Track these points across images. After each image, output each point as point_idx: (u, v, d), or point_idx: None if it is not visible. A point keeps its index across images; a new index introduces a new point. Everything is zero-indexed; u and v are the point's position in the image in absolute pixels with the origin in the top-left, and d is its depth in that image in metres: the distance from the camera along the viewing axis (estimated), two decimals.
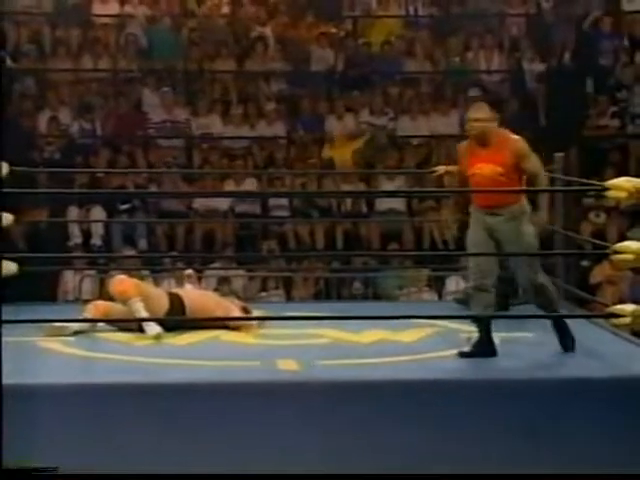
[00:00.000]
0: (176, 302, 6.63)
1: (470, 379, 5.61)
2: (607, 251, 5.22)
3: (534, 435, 5.24)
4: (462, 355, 5.88)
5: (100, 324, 6.60)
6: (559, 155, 7.92)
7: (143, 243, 10.44)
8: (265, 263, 10.48)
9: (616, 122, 11.58)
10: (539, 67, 11.86)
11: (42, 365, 5.73)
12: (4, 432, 4.52)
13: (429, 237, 10.59)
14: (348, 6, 12.57)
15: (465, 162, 6.01)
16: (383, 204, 10.78)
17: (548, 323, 6.15)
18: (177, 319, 6.56)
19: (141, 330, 6.42)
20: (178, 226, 10.45)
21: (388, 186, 10.67)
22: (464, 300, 6.78)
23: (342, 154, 11.08)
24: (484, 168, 5.87)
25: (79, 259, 10.13)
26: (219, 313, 6.66)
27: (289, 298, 9.88)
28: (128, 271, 8.50)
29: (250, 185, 10.72)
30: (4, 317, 4.79)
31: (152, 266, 9.78)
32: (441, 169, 6.66)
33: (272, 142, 11.32)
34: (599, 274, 9.97)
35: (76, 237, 10.39)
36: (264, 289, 10.03)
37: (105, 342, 6.34)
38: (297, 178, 10.87)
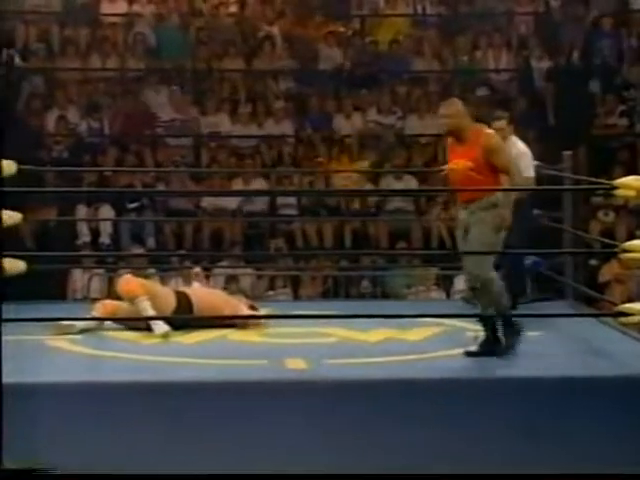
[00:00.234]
0: (183, 300, 6.64)
1: (477, 378, 5.60)
2: (616, 250, 5.21)
3: (543, 434, 5.23)
4: (469, 354, 5.87)
5: (107, 323, 6.61)
6: (568, 154, 7.92)
7: (151, 242, 10.45)
8: (273, 262, 10.48)
9: (625, 121, 11.56)
10: (547, 66, 11.84)
11: (49, 363, 5.73)
12: (7, 431, 4.52)
13: (437, 236, 10.58)
14: (356, 5, 12.57)
15: (446, 158, 6.04)
16: (391, 203, 10.78)
17: (556, 322, 6.16)
18: (185, 317, 6.57)
19: (149, 329, 6.43)
20: (186, 225, 10.46)
21: (396, 185, 10.66)
22: (472, 299, 6.78)
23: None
24: (458, 164, 5.89)
25: (88, 258, 10.15)
26: (227, 311, 6.67)
27: (297, 297, 9.88)
28: (136, 269, 8.53)
29: (258, 184, 10.72)
30: (12, 315, 4.80)
31: (160, 265, 9.80)
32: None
33: (280, 141, 11.32)
34: (608, 273, 9.96)
35: (84, 236, 10.40)
36: (272, 288, 10.03)
37: (113, 341, 6.35)
38: (305, 177, 10.87)
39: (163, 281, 8.90)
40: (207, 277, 9.67)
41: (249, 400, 5.22)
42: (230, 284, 9.57)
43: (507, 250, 6.88)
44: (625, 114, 11.57)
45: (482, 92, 11.57)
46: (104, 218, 10.44)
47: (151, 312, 6.45)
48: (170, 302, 6.62)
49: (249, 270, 10.11)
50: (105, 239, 10.40)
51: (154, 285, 6.99)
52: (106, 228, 10.44)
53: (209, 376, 5.49)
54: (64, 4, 12.13)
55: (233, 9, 12.47)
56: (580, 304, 7.53)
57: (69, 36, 11.93)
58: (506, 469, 5.11)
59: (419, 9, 12.56)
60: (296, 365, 5.68)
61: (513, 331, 5.85)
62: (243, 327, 6.66)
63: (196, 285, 7.26)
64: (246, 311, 6.80)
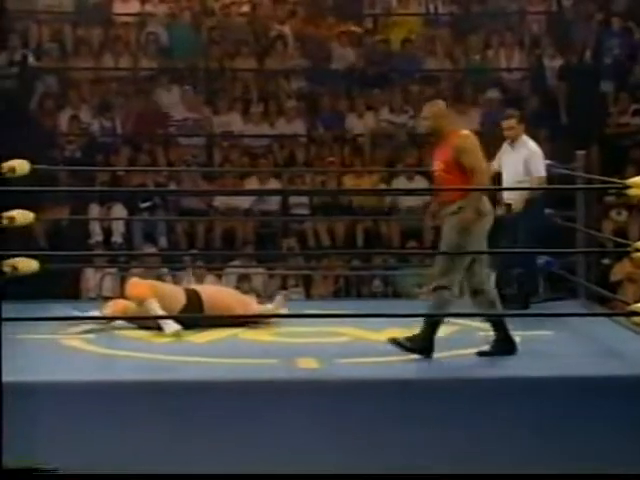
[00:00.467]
0: (193, 298, 6.64)
1: (488, 377, 5.59)
2: (628, 249, 5.19)
3: (556, 434, 5.22)
4: (481, 354, 5.87)
5: (118, 322, 6.63)
6: (580, 153, 7.90)
7: (163, 241, 10.46)
8: (285, 261, 10.49)
9: (637, 120, 11.52)
10: (560, 65, 11.81)
11: (60, 362, 5.75)
12: (10, 430, 4.52)
13: None
14: (368, 4, 12.57)
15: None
16: (403, 202, 10.77)
17: (569, 321, 6.15)
18: (195, 317, 6.57)
19: (159, 329, 6.44)
20: (198, 224, 10.47)
21: (408, 184, 10.65)
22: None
23: None
24: (435, 165, 5.91)
25: (100, 257, 10.17)
26: (238, 310, 6.67)
27: (309, 296, 9.88)
28: (148, 269, 8.54)
29: (270, 183, 10.72)
30: (25, 314, 4.82)
31: (172, 264, 9.82)
32: None
33: (292, 140, 11.33)
34: (620, 272, 9.93)
35: (97, 235, 10.42)
36: (284, 287, 10.03)
37: (125, 340, 6.36)
38: (317, 176, 10.87)
39: (175, 280, 8.92)
40: (219, 276, 9.70)
41: (260, 399, 5.22)
42: (242, 283, 9.58)
43: (520, 249, 6.88)
44: (638, 113, 11.54)
45: (493, 92, 11.56)
46: (117, 217, 10.46)
47: (160, 313, 6.46)
48: (179, 300, 6.62)
49: (261, 269, 10.12)
50: (117, 238, 10.42)
51: (162, 285, 6.98)
52: (118, 227, 10.46)
53: (220, 375, 5.49)
54: (77, 4, 12.16)
55: (245, 8, 12.48)
56: (592, 303, 7.52)
57: (82, 36, 11.96)
58: (522, 469, 5.11)
59: (431, 8, 12.55)
60: (308, 364, 5.68)
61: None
62: (254, 326, 6.67)
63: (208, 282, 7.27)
64: (257, 309, 6.80)
